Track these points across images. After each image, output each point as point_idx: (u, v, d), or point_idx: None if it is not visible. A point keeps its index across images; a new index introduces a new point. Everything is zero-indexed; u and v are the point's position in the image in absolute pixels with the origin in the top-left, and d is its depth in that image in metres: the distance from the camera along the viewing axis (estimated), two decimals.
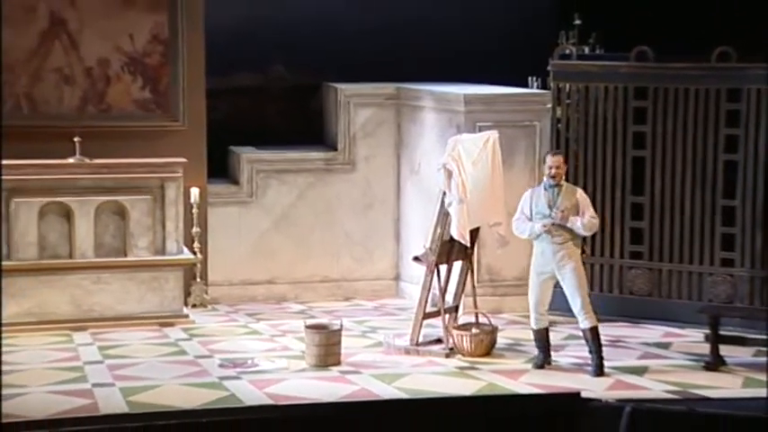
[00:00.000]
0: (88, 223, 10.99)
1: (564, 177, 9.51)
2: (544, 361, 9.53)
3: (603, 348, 9.74)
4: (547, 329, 9.61)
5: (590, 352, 9.37)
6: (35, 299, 10.81)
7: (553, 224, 9.29)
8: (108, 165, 11.15)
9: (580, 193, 9.55)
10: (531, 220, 9.42)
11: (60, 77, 11.67)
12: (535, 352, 9.74)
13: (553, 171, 9.35)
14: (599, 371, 9.23)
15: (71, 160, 11.14)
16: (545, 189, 9.43)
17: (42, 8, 11.57)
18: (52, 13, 11.59)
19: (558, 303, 11.19)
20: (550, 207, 9.31)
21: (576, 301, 9.36)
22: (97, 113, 11.74)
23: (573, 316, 10.95)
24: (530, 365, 9.51)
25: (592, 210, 9.49)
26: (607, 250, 11.16)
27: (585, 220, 9.33)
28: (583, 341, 9.97)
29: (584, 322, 9.34)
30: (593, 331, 9.32)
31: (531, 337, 10.34)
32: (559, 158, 9.49)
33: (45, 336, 10.52)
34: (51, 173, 10.97)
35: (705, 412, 8.34)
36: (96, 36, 11.67)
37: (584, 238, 9.68)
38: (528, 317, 11.15)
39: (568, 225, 9.28)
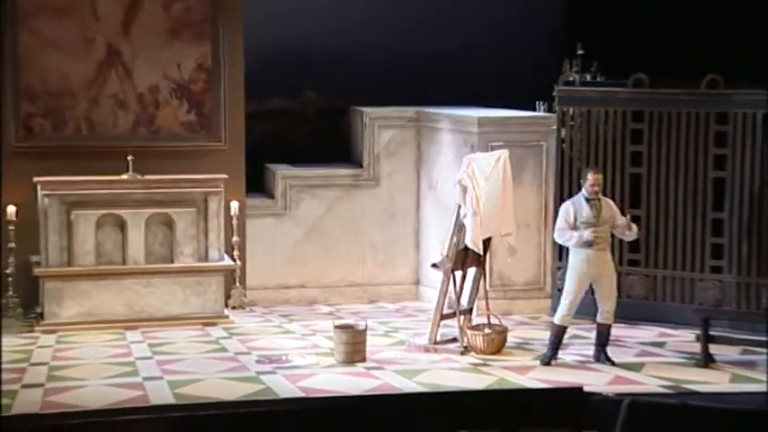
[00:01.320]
0: (139, 233, 10.98)
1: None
2: (551, 358, 9.46)
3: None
4: (566, 329, 9.56)
5: (598, 344, 9.51)
6: (92, 301, 10.83)
7: (597, 233, 9.33)
8: (157, 180, 11.16)
9: (613, 204, 9.63)
10: (573, 229, 9.41)
11: (115, 102, 11.70)
12: (543, 350, 9.70)
13: (595, 188, 9.40)
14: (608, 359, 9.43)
15: (125, 176, 11.15)
16: (586, 201, 9.43)
17: (100, 40, 11.60)
18: (109, 45, 11.63)
19: (556, 306, 11.35)
20: (596, 216, 9.34)
21: (610, 301, 9.43)
22: (148, 134, 11.76)
23: (578, 317, 11.00)
24: (538, 362, 9.45)
25: (619, 214, 9.61)
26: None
27: (634, 232, 9.57)
28: (585, 341, 10.00)
29: (611, 319, 9.47)
30: (609, 328, 9.49)
31: (539, 336, 10.37)
32: (599, 176, 9.53)
33: (101, 334, 10.53)
34: (107, 188, 10.98)
35: (696, 405, 8.29)
36: (147, 65, 11.72)
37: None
38: (536, 318, 11.28)
39: (627, 233, 9.52)
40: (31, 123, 11.52)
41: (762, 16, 11.26)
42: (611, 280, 9.48)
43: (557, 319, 9.53)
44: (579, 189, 11.01)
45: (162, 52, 11.73)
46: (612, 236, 9.63)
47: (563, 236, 9.52)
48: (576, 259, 9.45)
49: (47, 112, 11.55)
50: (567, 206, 9.56)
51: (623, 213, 9.70)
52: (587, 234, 9.36)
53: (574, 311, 9.51)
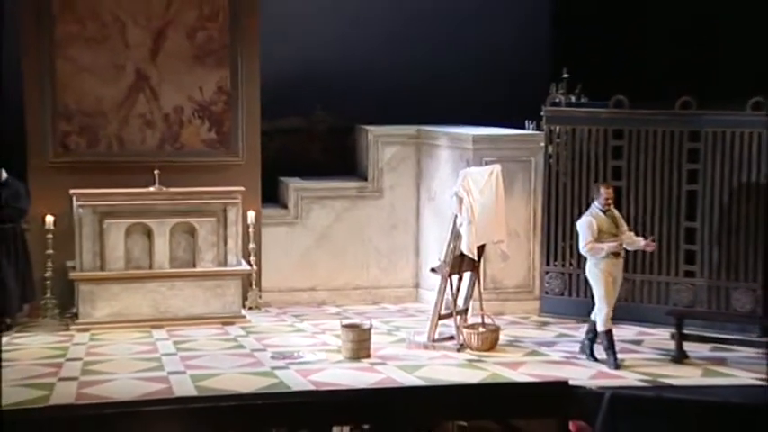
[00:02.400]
0: (165, 240, 10.97)
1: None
2: (615, 361, 9.14)
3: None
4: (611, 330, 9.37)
5: (589, 339, 9.41)
6: (122, 302, 10.82)
7: (621, 241, 9.30)
8: (181, 192, 11.13)
9: (618, 215, 9.55)
10: (597, 241, 9.28)
11: (143, 122, 11.66)
12: (532, 346, 9.73)
13: (609, 201, 9.32)
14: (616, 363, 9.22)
15: (151, 189, 11.15)
16: (603, 213, 9.35)
17: (130, 66, 11.59)
18: (138, 70, 11.62)
19: (549, 306, 11.39)
20: (616, 226, 9.32)
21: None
22: (173, 151, 11.73)
23: (564, 317, 11.10)
24: (527, 358, 9.41)
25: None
26: None
27: (644, 243, 9.47)
28: (571, 338, 10.02)
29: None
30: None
31: (529, 335, 10.42)
32: (611, 189, 9.49)
33: (130, 332, 10.53)
34: (136, 199, 10.97)
35: (672, 397, 8.36)
36: (173, 88, 11.70)
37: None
38: (526, 318, 11.26)
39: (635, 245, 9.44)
40: (67, 141, 11.51)
41: (728, 45, 11.34)
42: (621, 284, 9.46)
43: (605, 326, 9.23)
44: (566, 201, 11.14)
45: (186, 77, 11.72)
46: None
47: (594, 249, 9.28)
48: (605, 267, 9.28)
49: (81, 131, 11.53)
50: (589, 221, 9.35)
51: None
52: (613, 245, 9.26)
53: (610, 316, 9.32)
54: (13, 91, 11.26)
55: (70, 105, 11.47)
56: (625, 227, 9.50)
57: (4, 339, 10.22)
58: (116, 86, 11.56)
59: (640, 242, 9.48)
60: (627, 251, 9.58)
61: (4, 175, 10.75)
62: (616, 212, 9.52)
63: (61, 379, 8.78)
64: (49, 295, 11.16)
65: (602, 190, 9.42)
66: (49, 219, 11.12)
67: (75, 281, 10.87)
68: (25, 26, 11.28)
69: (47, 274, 11.13)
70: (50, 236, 11.12)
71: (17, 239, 10.70)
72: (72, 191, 10.98)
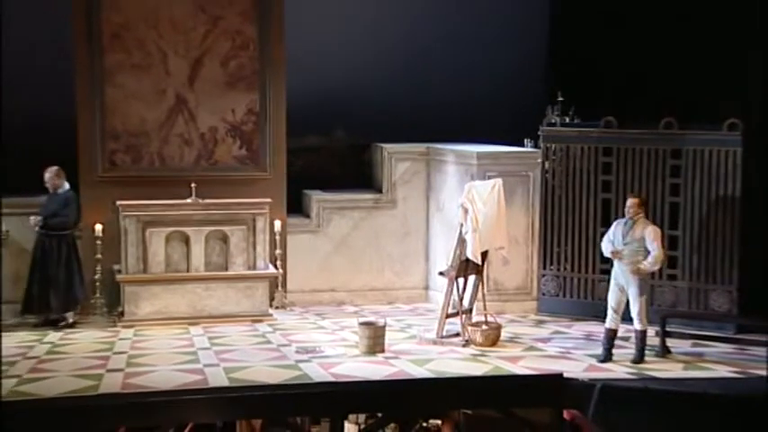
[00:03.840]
0: (200, 246, 10.98)
1: (643, 215, 9.16)
2: (606, 358, 9.09)
3: (580, 340, 9.72)
4: (614, 331, 9.13)
5: (636, 348, 9.07)
6: (162, 302, 10.84)
7: (618, 251, 9.05)
8: (215, 204, 11.12)
9: (649, 229, 9.03)
10: (613, 242, 9.15)
11: (182, 140, 11.65)
12: (530, 342, 9.67)
13: (631, 212, 9.08)
14: (639, 359, 9.01)
15: (189, 200, 11.14)
16: (624, 223, 9.16)
17: (170, 91, 11.59)
18: (177, 94, 11.62)
19: (546, 306, 11.37)
20: (625, 235, 9.09)
21: (635, 307, 9.06)
22: (208, 166, 11.72)
23: (559, 316, 11.06)
24: (526, 353, 9.39)
25: (656, 244, 8.95)
26: (583, 267, 11.08)
27: (649, 261, 8.92)
28: (564, 335, 10.01)
29: (638, 325, 9.06)
30: (643, 333, 9.05)
31: (527, 332, 10.39)
32: (634, 200, 9.17)
33: (169, 329, 10.56)
34: (175, 210, 10.98)
35: (656, 388, 8.35)
36: (208, 111, 11.70)
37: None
38: (524, 317, 11.22)
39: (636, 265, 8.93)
40: (114, 158, 11.53)
41: (707, 72, 11.33)
42: (634, 289, 9.03)
43: (606, 323, 9.20)
44: (561, 211, 11.11)
45: (219, 100, 11.72)
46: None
47: (603, 245, 9.28)
48: (613, 269, 9.27)
49: (127, 149, 11.55)
50: (614, 223, 9.28)
51: (664, 243, 9.30)
52: (608, 251, 9.21)
53: (614, 317, 9.15)
54: (67, 113, 11.41)
55: (117, 126, 11.49)
56: (653, 245, 8.94)
57: (59, 334, 10.37)
58: (158, 109, 11.58)
59: (646, 264, 9.01)
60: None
61: (66, 185, 10.82)
62: (647, 228, 9.04)
63: (109, 370, 8.82)
64: (98, 295, 11.19)
65: (628, 200, 9.28)
66: (98, 227, 11.15)
67: (121, 282, 10.89)
68: (79, 56, 11.33)
69: (96, 277, 11.16)
70: (99, 242, 11.14)
71: (68, 245, 10.71)
72: (118, 202, 11.00)
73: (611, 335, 9.19)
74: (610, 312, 9.21)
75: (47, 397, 8.01)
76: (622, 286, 9.15)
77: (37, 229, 10.69)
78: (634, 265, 9.03)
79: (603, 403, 8.22)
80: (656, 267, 9.32)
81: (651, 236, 9.04)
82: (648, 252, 9.01)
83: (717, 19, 11.30)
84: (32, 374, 8.67)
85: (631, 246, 9.08)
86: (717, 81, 11.26)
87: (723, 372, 8.87)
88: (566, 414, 8.50)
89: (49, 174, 10.77)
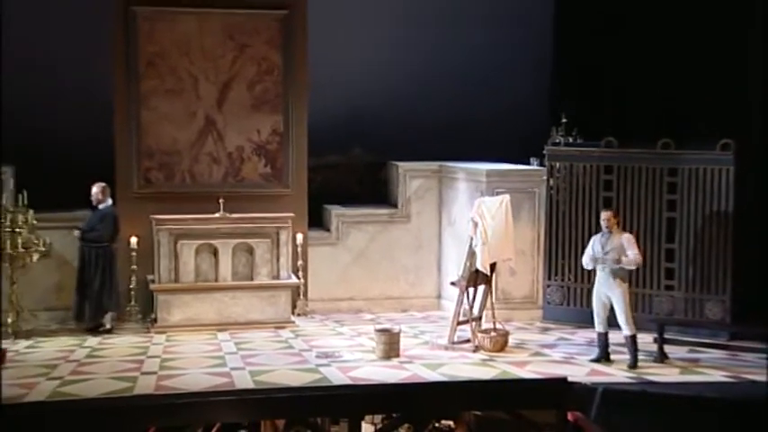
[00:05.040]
0: (228, 257, 10.99)
1: (616, 225, 9.26)
2: (600, 357, 9.16)
3: (583, 346, 9.68)
4: (605, 333, 9.18)
5: (629, 352, 9.07)
6: (193, 309, 10.87)
7: (599, 260, 9.12)
8: (241, 218, 11.11)
9: (626, 236, 9.24)
10: (594, 255, 9.22)
11: (211, 159, 11.73)
12: (536, 348, 9.65)
13: (605, 223, 9.20)
14: (634, 364, 9.00)
15: (217, 215, 11.12)
16: (602, 235, 9.26)
17: (200, 113, 11.67)
18: (207, 116, 11.69)
19: (550, 314, 11.34)
20: (603, 247, 9.16)
21: (620, 315, 9.10)
22: (235, 183, 11.75)
23: (564, 323, 11.02)
24: (532, 358, 9.37)
25: (633, 249, 9.11)
26: (585, 278, 10.91)
27: (626, 259, 9.04)
28: (568, 342, 9.98)
29: (625, 331, 9.09)
30: (632, 338, 9.07)
31: (533, 338, 10.36)
32: (608, 213, 9.32)
33: (198, 334, 10.58)
34: (204, 223, 11.01)
35: (654, 392, 8.34)
36: (235, 131, 11.76)
37: (630, 272, 9.31)
38: (530, 324, 11.17)
39: (617, 264, 9.02)
40: (148, 175, 11.61)
41: (701, 95, 11.36)
42: (618, 297, 9.10)
43: (596, 329, 9.27)
44: (564, 225, 11.10)
45: (246, 121, 11.78)
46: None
47: (584, 260, 9.38)
48: (595, 280, 9.34)
49: (160, 167, 11.63)
50: (593, 238, 9.37)
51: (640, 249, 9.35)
52: (588, 264, 9.28)
53: (599, 321, 9.21)
54: (106, 134, 11.50)
55: (152, 146, 11.58)
56: (631, 250, 9.07)
57: (98, 339, 10.41)
58: (189, 130, 11.67)
59: (623, 260, 9.15)
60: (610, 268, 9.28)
61: (109, 201, 10.89)
62: (623, 237, 9.20)
63: (143, 373, 8.85)
64: (133, 303, 11.26)
65: (602, 213, 9.40)
66: (134, 240, 11.21)
67: (155, 291, 10.91)
68: (117, 82, 11.44)
69: (131, 286, 11.23)
70: (134, 254, 11.21)
71: (105, 257, 10.73)
72: (152, 216, 11.03)
73: (603, 337, 9.28)
74: (596, 318, 9.30)
75: (86, 397, 8.07)
76: (605, 294, 9.22)
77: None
78: (615, 271, 9.12)
79: (605, 406, 8.20)
80: (634, 266, 9.26)
81: (628, 242, 9.20)
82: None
83: (715, 44, 11.32)
84: (73, 376, 8.73)
85: (611, 254, 9.15)
86: (711, 104, 11.29)
87: (718, 376, 8.84)
88: (569, 416, 8.47)
89: (96, 188, 10.84)
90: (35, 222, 10.51)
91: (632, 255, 9.12)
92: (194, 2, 11.46)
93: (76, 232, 10.78)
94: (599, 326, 9.29)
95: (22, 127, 11.69)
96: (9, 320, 10.45)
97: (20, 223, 10.40)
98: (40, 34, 12.12)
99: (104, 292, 10.70)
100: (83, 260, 10.74)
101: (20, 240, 10.41)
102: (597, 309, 9.29)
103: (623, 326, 9.14)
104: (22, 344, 10.11)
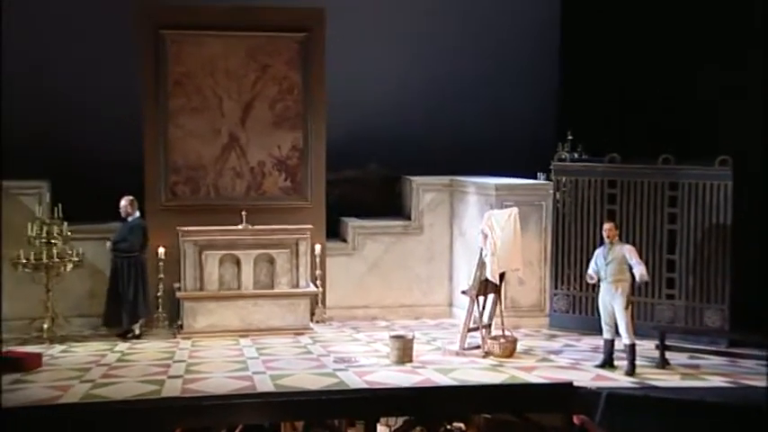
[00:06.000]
0: (250, 267, 11.01)
1: (617, 237, 9.28)
2: (605, 363, 9.17)
3: (588, 352, 9.66)
4: (611, 341, 9.17)
5: (628, 360, 9.04)
6: (216, 316, 10.90)
7: (601, 272, 9.14)
8: (263, 230, 11.13)
9: (627, 248, 9.23)
10: (596, 269, 9.23)
11: (234, 173, 11.77)
12: (543, 354, 9.63)
13: (610, 233, 9.22)
14: (631, 372, 8.97)
15: (240, 227, 11.16)
16: (604, 247, 9.28)
17: (224, 130, 11.74)
18: (230, 133, 11.75)
19: (557, 322, 11.33)
20: (605, 258, 9.19)
21: (621, 324, 9.12)
22: (257, 197, 11.77)
23: (570, 330, 10.99)
24: (539, 364, 9.36)
25: (636, 259, 9.11)
26: (591, 287, 10.80)
27: (642, 272, 9.03)
28: (574, 348, 9.98)
29: (626, 339, 9.08)
30: (631, 347, 9.06)
31: (540, 345, 10.33)
32: (610, 224, 9.35)
33: (222, 340, 10.60)
34: (227, 235, 11.03)
35: (656, 396, 8.34)
36: (257, 147, 11.80)
37: (633, 282, 9.24)
38: (538, 331, 11.13)
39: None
40: (175, 189, 11.67)
41: (701, 113, 11.37)
42: (619, 306, 9.11)
43: (603, 336, 9.28)
44: (570, 237, 11.10)
45: (267, 138, 11.82)
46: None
47: (588, 274, 9.39)
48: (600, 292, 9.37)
49: (186, 181, 11.69)
50: (597, 251, 9.37)
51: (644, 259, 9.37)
52: (589, 276, 9.32)
53: (607, 328, 9.21)
54: (136, 150, 11.59)
55: (178, 161, 11.65)
56: (634, 261, 9.08)
57: (127, 344, 10.48)
58: (213, 146, 11.73)
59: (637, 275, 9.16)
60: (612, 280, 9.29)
61: (137, 214, 10.96)
62: (624, 248, 9.23)
63: (170, 377, 8.91)
64: (160, 310, 11.32)
65: (604, 225, 9.43)
66: (161, 250, 11.28)
67: (181, 299, 10.97)
68: (147, 101, 11.53)
69: (159, 294, 11.29)
70: (162, 263, 11.27)
71: (136, 266, 10.81)
72: (179, 228, 11.08)
73: (609, 344, 9.28)
74: (603, 326, 9.31)
75: (117, 399, 8.13)
76: (609, 303, 9.23)
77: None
78: (617, 281, 9.13)
79: (609, 409, 8.20)
80: (647, 279, 9.33)
81: (630, 253, 9.21)
82: (629, 266, 9.13)
83: (716, 64, 11.34)
84: (104, 379, 8.79)
85: (613, 264, 9.18)
86: (709, 122, 11.29)
87: (717, 381, 8.84)
88: (575, 419, 8.45)
89: (124, 202, 10.92)
90: (69, 234, 10.62)
91: (640, 265, 9.09)
92: (219, 25, 11.57)
93: (108, 243, 10.87)
94: (606, 333, 9.29)
95: (57, 145, 11.94)
96: (45, 326, 10.56)
97: (55, 235, 10.53)
98: (77, 58, 12.24)
99: (138, 300, 10.76)
100: (115, 270, 10.81)
101: (55, 251, 10.54)
102: (604, 317, 9.30)
103: (623, 334, 9.16)
104: (57, 348, 10.19)
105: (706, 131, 11.16)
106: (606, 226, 9.36)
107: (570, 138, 11.41)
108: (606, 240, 9.27)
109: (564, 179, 11.33)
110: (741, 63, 10.98)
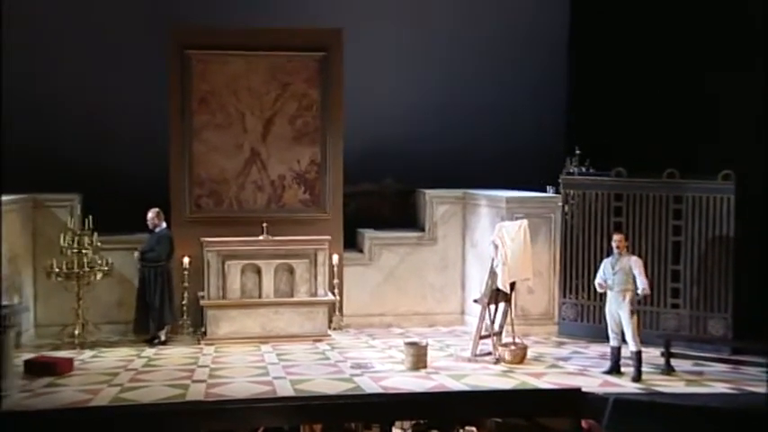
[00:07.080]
0: (270, 276, 11.02)
1: (626, 249, 9.25)
2: (612, 369, 9.15)
3: (595, 359, 9.64)
4: (618, 348, 9.14)
5: (634, 367, 9.01)
6: (238, 323, 10.91)
7: (601, 283, 9.13)
8: (283, 240, 11.16)
9: (633, 260, 9.18)
10: (604, 278, 9.20)
11: (255, 187, 11.77)
12: (552, 361, 9.62)
13: (620, 245, 9.19)
14: (637, 378, 8.94)
15: (261, 238, 11.19)
16: (612, 257, 9.25)
17: (246, 145, 11.74)
18: (252, 148, 11.75)
19: (566, 329, 11.29)
20: (612, 268, 9.16)
21: (627, 332, 9.10)
22: (277, 209, 11.75)
23: (578, 338, 10.93)
24: (548, 370, 9.34)
25: (641, 275, 9.06)
26: (598, 296, 10.77)
27: (644, 288, 8.99)
28: (582, 355, 9.96)
29: (632, 347, 9.04)
30: (637, 354, 9.02)
31: (550, 351, 10.31)
32: (620, 236, 9.32)
33: (244, 346, 10.58)
34: (249, 245, 11.05)
35: (662, 402, 8.32)
36: (277, 161, 11.79)
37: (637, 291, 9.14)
38: (547, 339, 11.09)
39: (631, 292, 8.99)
40: (199, 201, 11.69)
41: (705, 130, 11.36)
42: (625, 314, 9.09)
43: (610, 343, 9.26)
44: (578, 248, 11.09)
45: (287, 152, 11.82)
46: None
47: (596, 283, 9.37)
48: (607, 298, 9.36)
49: (210, 194, 11.70)
50: (604, 261, 9.34)
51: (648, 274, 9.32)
52: (597, 285, 9.31)
53: (613, 336, 9.20)
54: (161, 165, 11.67)
55: (202, 175, 11.67)
56: (638, 272, 9.05)
57: (154, 350, 10.52)
58: (236, 160, 11.74)
59: (639, 289, 9.14)
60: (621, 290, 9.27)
61: (164, 225, 11.01)
62: (631, 260, 9.19)
63: (194, 381, 8.94)
64: (185, 318, 11.34)
65: (614, 236, 9.40)
66: (186, 260, 11.31)
67: (205, 307, 10.97)
68: (173, 117, 11.60)
69: (183, 302, 11.32)
70: (186, 272, 11.30)
71: (162, 276, 10.83)
72: (202, 239, 11.12)
73: (616, 351, 9.26)
74: (610, 334, 9.29)
75: (143, 403, 8.18)
76: (616, 311, 9.20)
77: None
78: (624, 290, 9.11)
79: (616, 414, 8.19)
80: (648, 292, 9.26)
81: (637, 265, 9.16)
82: (633, 278, 9.10)
83: (719, 80, 11.34)
84: (132, 384, 8.84)
85: (619, 275, 9.16)
86: (713, 138, 11.28)
87: (720, 388, 8.81)
88: (583, 423, 8.52)
89: (151, 214, 10.98)
90: (99, 244, 10.71)
91: (643, 282, 9.05)
92: (242, 46, 11.63)
93: (136, 254, 10.95)
94: (613, 341, 9.28)
95: (88, 159, 12.10)
96: (76, 332, 10.65)
97: (86, 245, 10.63)
98: (110, 78, 12.43)
99: (165, 308, 10.80)
100: (143, 279, 10.86)
101: (85, 260, 10.64)
102: (611, 325, 9.29)
103: (630, 342, 9.13)
104: (87, 354, 10.27)
105: (710, 147, 11.13)
106: (616, 237, 9.34)
107: (578, 152, 11.41)
108: (615, 251, 9.25)
109: (572, 192, 11.33)
110: (751, 76, 10.90)
